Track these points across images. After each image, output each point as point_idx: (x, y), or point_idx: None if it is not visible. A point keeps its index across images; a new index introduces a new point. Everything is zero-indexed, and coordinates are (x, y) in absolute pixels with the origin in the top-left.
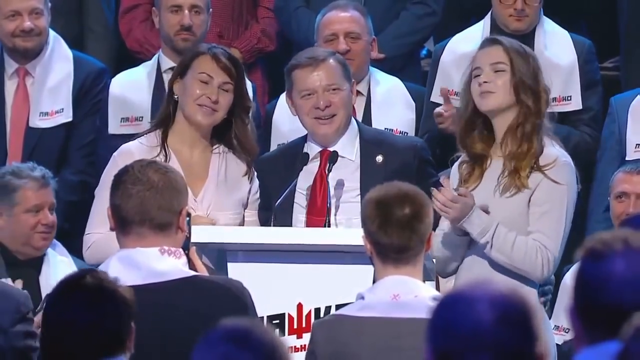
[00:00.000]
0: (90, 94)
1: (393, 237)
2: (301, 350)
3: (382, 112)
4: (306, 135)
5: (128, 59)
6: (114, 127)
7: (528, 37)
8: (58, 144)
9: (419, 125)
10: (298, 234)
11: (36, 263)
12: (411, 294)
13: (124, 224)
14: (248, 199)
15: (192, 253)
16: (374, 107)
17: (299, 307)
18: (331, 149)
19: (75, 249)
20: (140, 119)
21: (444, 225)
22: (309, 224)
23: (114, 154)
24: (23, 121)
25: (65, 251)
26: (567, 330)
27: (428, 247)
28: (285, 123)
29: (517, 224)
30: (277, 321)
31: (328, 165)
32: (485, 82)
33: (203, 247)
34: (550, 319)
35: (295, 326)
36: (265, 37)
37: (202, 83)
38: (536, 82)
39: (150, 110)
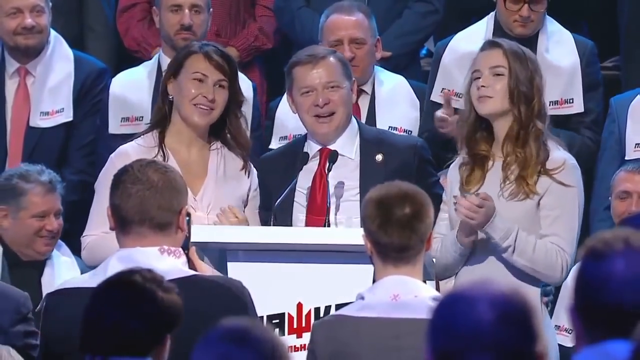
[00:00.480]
0: (90, 94)
1: (393, 236)
2: (301, 350)
3: (386, 110)
4: (306, 134)
5: (128, 58)
6: (114, 126)
7: (530, 40)
8: (58, 144)
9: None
10: (298, 233)
11: (39, 264)
12: (411, 294)
13: (124, 224)
14: (248, 195)
15: (192, 253)
16: (379, 106)
17: (299, 306)
18: (331, 147)
19: (75, 248)
20: (141, 118)
21: (442, 228)
22: (309, 223)
23: (111, 155)
24: (23, 121)
25: (69, 252)
26: (569, 331)
27: (428, 246)
28: (291, 119)
29: (523, 227)
30: (277, 321)
31: (328, 164)
32: (483, 86)
33: (204, 248)
34: (551, 318)
35: (295, 326)
36: (263, 35)
37: (197, 82)
38: (530, 87)
39: (150, 110)
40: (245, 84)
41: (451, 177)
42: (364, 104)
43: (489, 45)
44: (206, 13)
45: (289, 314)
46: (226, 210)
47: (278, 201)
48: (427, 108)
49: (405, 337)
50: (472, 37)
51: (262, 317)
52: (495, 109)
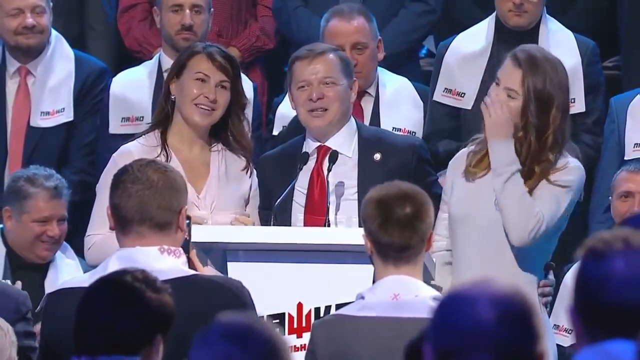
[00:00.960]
0: (91, 94)
1: (394, 236)
2: (301, 350)
3: (390, 112)
4: (305, 133)
5: (129, 58)
6: (115, 126)
7: (531, 36)
8: (59, 144)
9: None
10: (298, 233)
11: (42, 266)
12: (411, 294)
13: (124, 223)
14: (249, 195)
15: (192, 255)
16: (382, 108)
17: (299, 306)
18: (328, 145)
19: (75, 248)
20: (141, 118)
21: (442, 229)
22: (308, 222)
23: (114, 155)
24: (24, 120)
25: (72, 254)
26: (569, 331)
27: (428, 246)
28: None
29: None
30: (277, 320)
31: (328, 165)
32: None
33: (208, 250)
34: (549, 318)
35: (295, 326)
36: (264, 36)
37: (200, 82)
38: (545, 118)
39: (150, 110)
40: (247, 85)
41: (453, 166)
42: (367, 106)
43: (512, 60)
44: (207, 13)
45: (289, 314)
46: (235, 222)
47: (278, 201)
48: (430, 108)
49: (406, 336)
50: (474, 37)
51: (262, 317)
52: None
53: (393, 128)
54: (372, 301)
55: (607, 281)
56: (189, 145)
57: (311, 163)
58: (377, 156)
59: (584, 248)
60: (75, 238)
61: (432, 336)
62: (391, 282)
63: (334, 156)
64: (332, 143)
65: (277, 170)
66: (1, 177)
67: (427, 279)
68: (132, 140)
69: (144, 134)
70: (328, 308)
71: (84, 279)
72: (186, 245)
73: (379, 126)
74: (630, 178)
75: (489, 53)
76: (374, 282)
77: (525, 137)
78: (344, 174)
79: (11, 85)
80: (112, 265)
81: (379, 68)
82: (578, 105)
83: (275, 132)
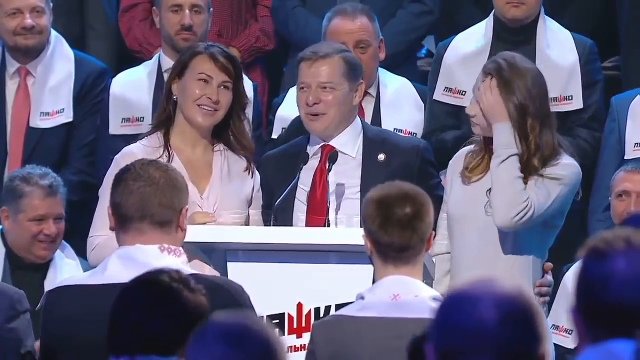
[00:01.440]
0: (91, 95)
1: (394, 236)
2: (301, 350)
3: (391, 113)
4: (310, 133)
5: (130, 58)
6: (115, 127)
7: (529, 35)
8: (58, 144)
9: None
10: (298, 234)
11: (42, 266)
12: (411, 294)
13: (124, 221)
14: (252, 196)
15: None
16: (384, 109)
17: (299, 306)
18: (332, 144)
19: (76, 248)
20: (142, 119)
21: (444, 230)
22: (309, 222)
23: (117, 156)
24: (24, 121)
25: (73, 254)
26: (569, 332)
27: (428, 246)
28: (292, 113)
29: None
30: (277, 321)
31: (328, 165)
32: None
33: (208, 251)
34: (547, 318)
35: (295, 326)
36: (265, 37)
37: (202, 83)
38: (523, 124)
39: (151, 111)
40: (247, 85)
41: (452, 167)
42: (368, 106)
43: (484, 72)
44: (207, 13)
45: (289, 314)
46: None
47: (278, 201)
48: (430, 108)
49: (406, 337)
50: (473, 36)
51: (262, 317)
52: (483, 134)
53: (395, 129)
54: (372, 301)
55: (609, 281)
56: (191, 146)
57: (315, 162)
58: (382, 157)
59: (586, 248)
60: (75, 238)
61: (435, 336)
62: (391, 282)
63: (334, 156)
64: (336, 143)
65: (280, 169)
66: (1, 178)
67: (427, 279)
68: (134, 143)
69: (147, 136)
70: (328, 308)
71: (84, 278)
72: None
73: (381, 127)
74: (628, 178)
75: (489, 51)
76: (373, 282)
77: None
78: (348, 173)
79: (11, 86)
80: (112, 264)
81: (380, 69)
82: (576, 103)
83: (274, 136)
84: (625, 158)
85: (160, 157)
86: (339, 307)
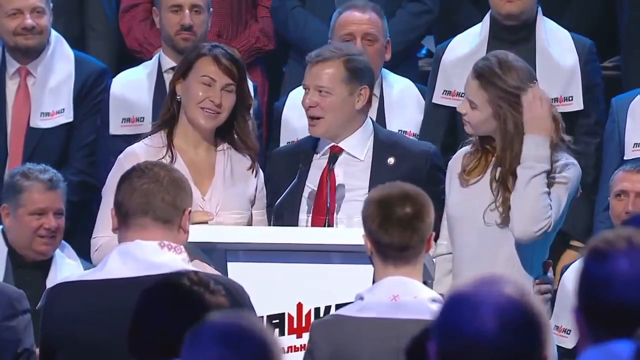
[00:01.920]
0: (91, 95)
1: (394, 236)
2: (301, 350)
3: (395, 114)
4: None
5: (130, 58)
6: (115, 127)
7: (528, 34)
8: (59, 145)
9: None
10: (298, 233)
11: (44, 266)
12: (410, 295)
13: (127, 217)
14: (255, 195)
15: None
16: (387, 109)
17: (299, 306)
18: (340, 146)
19: (76, 248)
20: (142, 119)
21: (445, 233)
22: (314, 222)
23: (119, 156)
24: (24, 121)
25: (73, 254)
26: (568, 332)
27: (428, 247)
28: (295, 120)
29: None
30: (277, 321)
31: (329, 165)
32: (462, 113)
33: (208, 251)
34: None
35: (295, 326)
36: (264, 37)
37: (205, 86)
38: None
39: (151, 111)
40: (247, 83)
41: (451, 168)
42: (373, 107)
43: (472, 70)
44: (206, 13)
45: (289, 314)
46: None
47: (278, 201)
48: (428, 110)
49: (404, 338)
50: (470, 37)
51: (262, 317)
52: (475, 133)
53: (399, 130)
54: (371, 302)
55: (611, 281)
56: (194, 147)
57: (323, 162)
58: (391, 160)
59: (587, 248)
60: (76, 238)
61: (436, 337)
62: (390, 283)
63: (334, 157)
64: (344, 145)
65: (287, 166)
66: (1, 178)
67: (427, 279)
68: (136, 141)
69: (150, 135)
70: (328, 308)
71: (84, 274)
72: None
73: (385, 127)
74: (626, 177)
75: (485, 52)
76: (373, 282)
77: (512, 144)
78: (356, 175)
79: (11, 86)
80: (112, 260)
81: (383, 69)
82: (575, 104)
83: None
84: (625, 158)
85: (163, 158)
86: (338, 307)
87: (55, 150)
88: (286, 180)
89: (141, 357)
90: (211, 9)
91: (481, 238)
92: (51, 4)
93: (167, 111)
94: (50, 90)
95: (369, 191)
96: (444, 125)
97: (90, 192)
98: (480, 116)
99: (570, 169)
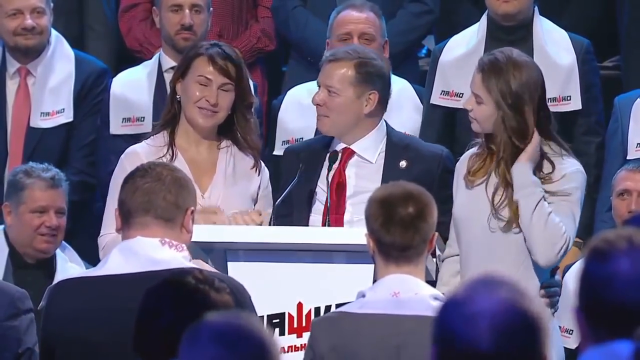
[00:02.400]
0: (91, 95)
1: (396, 235)
2: (301, 349)
3: (391, 115)
4: None
5: (129, 58)
6: (115, 127)
7: (525, 34)
8: (59, 144)
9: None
10: (298, 233)
11: (44, 266)
12: (411, 292)
13: (129, 215)
14: (258, 193)
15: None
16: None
17: (299, 306)
18: (352, 148)
19: (76, 248)
20: (142, 119)
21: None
22: (324, 223)
23: (121, 156)
24: (24, 121)
25: (77, 258)
26: (570, 332)
27: (430, 247)
28: (292, 120)
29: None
30: (277, 320)
31: (329, 165)
32: (468, 109)
33: (209, 250)
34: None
35: (295, 325)
36: (265, 37)
37: (201, 86)
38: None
39: (151, 110)
40: (247, 81)
41: (458, 170)
42: None
43: (477, 64)
44: (206, 13)
45: (289, 313)
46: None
47: (278, 201)
48: (427, 111)
49: (405, 334)
50: (468, 38)
51: (262, 317)
52: (482, 130)
53: None
54: (373, 299)
55: (612, 281)
56: (195, 145)
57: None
58: (403, 163)
59: (588, 248)
60: (77, 239)
61: (435, 343)
62: (392, 280)
63: (334, 158)
64: (357, 147)
65: (302, 163)
66: (1, 178)
67: (427, 279)
68: (137, 141)
69: (153, 135)
70: (328, 308)
71: (85, 272)
72: None
73: None
74: (629, 177)
75: (482, 52)
76: (374, 281)
77: (511, 142)
78: (368, 177)
79: (11, 86)
80: (113, 257)
81: None
82: (574, 103)
83: (277, 149)
84: (628, 158)
85: (163, 156)
86: (339, 306)
87: (55, 150)
88: (301, 177)
89: (147, 356)
90: (211, 9)
91: (487, 240)
92: (51, 4)
93: (168, 111)
94: (50, 90)
95: None
96: (442, 126)
97: (90, 192)
98: (487, 110)
99: (576, 177)
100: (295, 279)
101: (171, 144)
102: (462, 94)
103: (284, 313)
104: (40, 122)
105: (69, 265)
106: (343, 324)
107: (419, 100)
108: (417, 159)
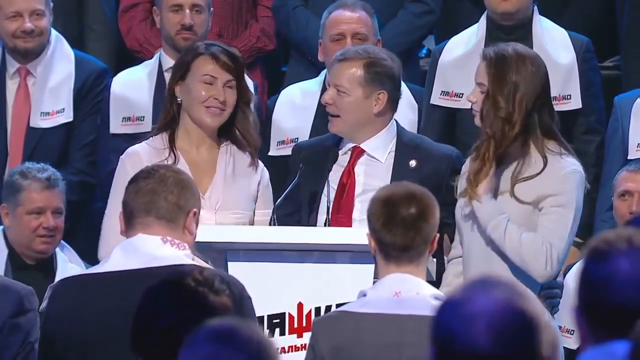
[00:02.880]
0: (91, 94)
1: (397, 236)
2: (301, 350)
3: None
4: None
5: (129, 58)
6: (115, 126)
7: (524, 33)
8: (59, 144)
9: (420, 127)
10: (298, 233)
11: (44, 267)
12: (412, 291)
13: (131, 216)
14: (258, 191)
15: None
16: None
17: (300, 306)
18: (362, 147)
19: (75, 248)
20: (142, 118)
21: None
22: (332, 222)
23: (122, 156)
24: (24, 121)
25: (77, 258)
26: (571, 332)
27: (432, 248)
28: (285, 120)
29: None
30: (278, 320)
31: (329, 165)
32: (472, 101)
33: (208, 250)
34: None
35: (295, 325)
36: (265, 37)
37: (207, 85)
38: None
39: (151, 110)
40: (248, 84)
41: (464, 171)
42: None
43: (482, 55)
44: (207, 13)
45: (289, 313)
46: None
47: (279, 201)
48: (427, 112)
49: (406, 333)
50: (467, 38)
51: (262, 317)
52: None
53: None
54: (374, 298)
55: (611, 281)
56: (196, 146)
57: (344, 161)
58: (413, 163)
59: (587, 248)
60: (76, 239)
61: (433, 343)
62: (393, 280)
63: (334, 157)
64: (366, 146)
65: (309, 161)
66: (1, 178)
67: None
68: (137, 141)
69: (151, 137)
70: (328, 308)
71: (87, 270)
72: None
73: None
74: (630, 177)
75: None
76: (375, 280)
77: (503, 129)
78: (377, 176)
79: (11, 86)
80: (115, 255)
81: None
82: (574, 102)
83: (272, 150)
84: (628, 158)
85: (165, 159)
86: (339, 306)
87: (55, 150)
88: (309, 174)
89: (146, 357)
90: (212, 9)
91: (489, 241)
92: (51, 5)
93: (167, 114)
94: (50, 90)
95: None
96: (442, 126)
97: (90, 192)
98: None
99: (572, 177)
100: (295, 279)
101: (172, 147)
102: (462, 94)
103: (284, 313)
104: (40, 122)
105: (69, 266)
106: (344, 323)
107: (412, 99)
108: (427, 159)
